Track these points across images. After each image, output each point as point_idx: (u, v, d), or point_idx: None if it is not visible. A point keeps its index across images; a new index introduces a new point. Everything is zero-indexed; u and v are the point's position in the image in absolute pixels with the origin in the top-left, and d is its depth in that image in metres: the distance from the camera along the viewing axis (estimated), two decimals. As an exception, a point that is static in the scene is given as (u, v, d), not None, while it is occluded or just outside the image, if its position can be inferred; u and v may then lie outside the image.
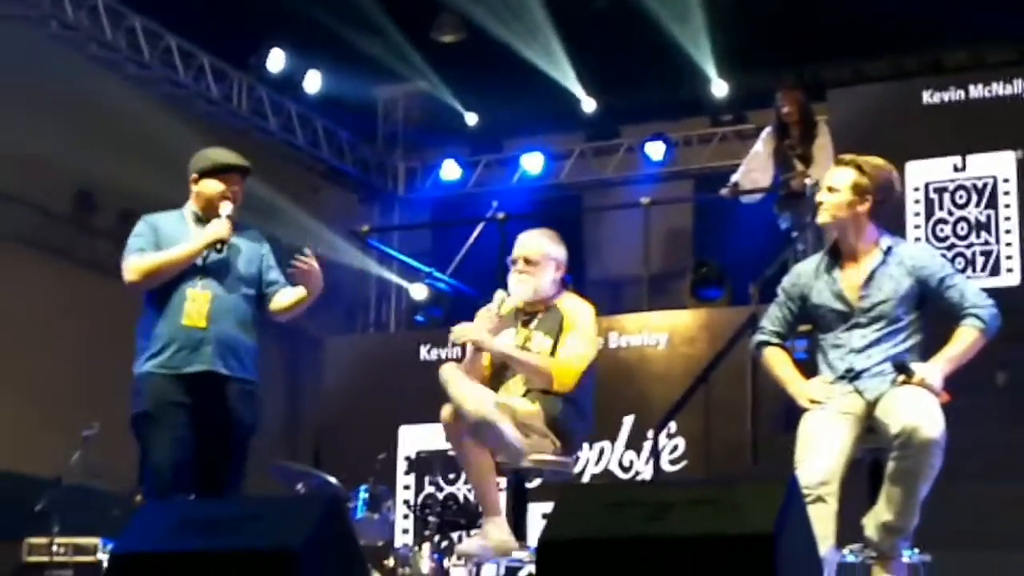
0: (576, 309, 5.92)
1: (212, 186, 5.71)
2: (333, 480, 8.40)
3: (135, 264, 5.61)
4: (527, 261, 5.94)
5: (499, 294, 5.91)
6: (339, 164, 13.39)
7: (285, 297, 5.81)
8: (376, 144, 14.14)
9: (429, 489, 9.91)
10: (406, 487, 10.23)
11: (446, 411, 5.63)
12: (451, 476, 9.64)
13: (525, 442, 5.61)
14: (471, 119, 13.52)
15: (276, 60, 12.10)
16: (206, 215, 5.70)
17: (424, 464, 9.88)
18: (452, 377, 5.60)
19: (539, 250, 5.96)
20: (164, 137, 10.28)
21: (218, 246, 5.60)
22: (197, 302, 5.58)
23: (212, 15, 11.17)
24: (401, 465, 10.23)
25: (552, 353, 5.79)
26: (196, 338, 5.55)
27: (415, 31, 12.21)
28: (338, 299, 12.55)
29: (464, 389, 5.55)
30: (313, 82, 12.50)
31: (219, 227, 5.61)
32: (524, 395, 5.77)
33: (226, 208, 5.67)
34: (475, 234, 11.87)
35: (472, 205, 13.29)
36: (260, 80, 12.15)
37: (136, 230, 5.72)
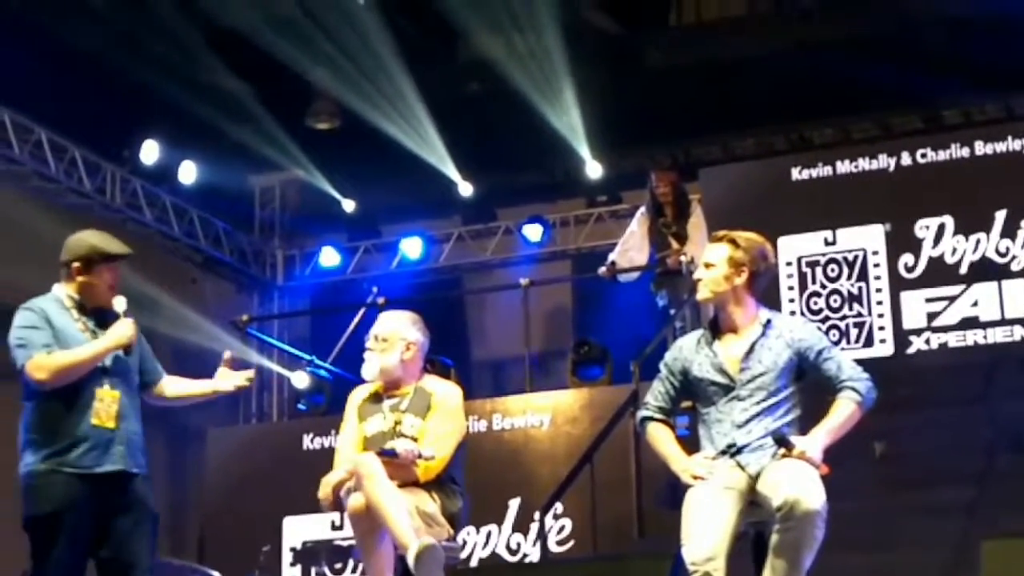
0: (443, 392, 5.97)
1: (98, 277, 5.53)
2: (217, 574, 8.27)
3: (44, 362, 5.35)
4: (376, 338, 5.99)
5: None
6: (216, 254, 13.30)
7: (193, 387, 5.73)
8: (253, 233, 14.09)
9: (315, 580, 9.80)
10: (292, 579, 10.10)
11: (357, 502, 5.60)
12: (337, 566, 9.54)
13: (430, 531, 5.64)
14: (348, 205, 13.53)
15: (150, 151, 12.04)
16: (88, 303, 5.55)
17: (310, 555, 9.77)
18: (371, 474, 5.59)
19: (389, 328, 5.99)
20: (36, 231, 10.14)
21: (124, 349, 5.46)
22: (106, 402, 5.39)
23: (83, 108, 11.09)
24: (287, 556, 10.10)
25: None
26: (106, 438, 5.37)
27: (290, 119, 12.23)
28: (219, 390, 12.40)
29: (382, 492, 5.55)
30: (188, 172, 12.45)
31: (127, 330, 5.44)
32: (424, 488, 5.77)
33: (121, 304, 5.53)
34: (356, 320, 11.84)
35: (352, 291, 13.28)
36: (134, 172, 12.06)
37: (28, 320, 5.46)
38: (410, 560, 5.45)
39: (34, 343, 5.41)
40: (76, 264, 5.55)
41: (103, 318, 5.55)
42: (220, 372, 5.75)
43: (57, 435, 5.37)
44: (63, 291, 5.58)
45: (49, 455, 5.36)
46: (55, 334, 5.43)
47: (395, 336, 5.98)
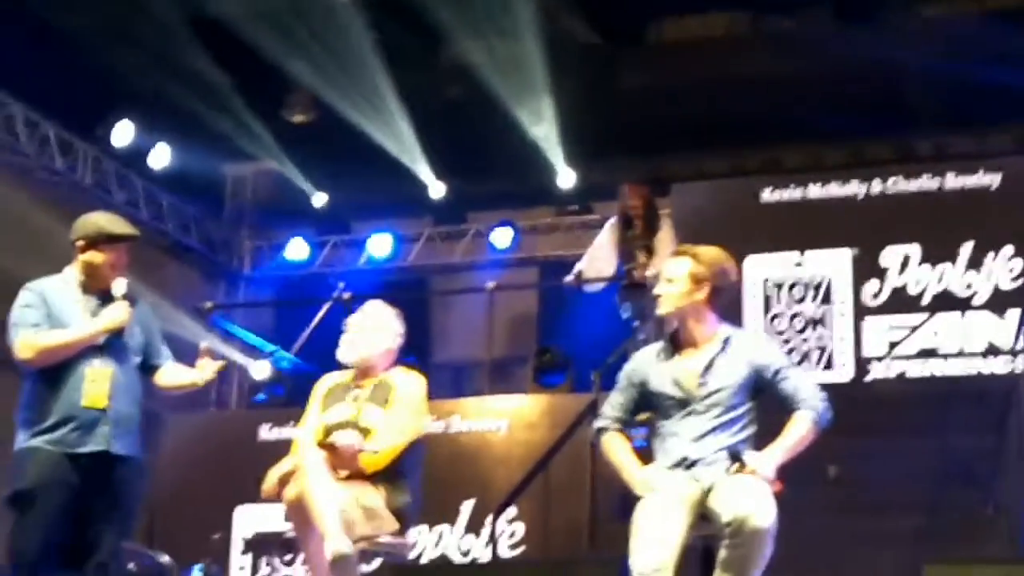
0: (405, 382, 5.99)
1: (99, 256, 5.53)
2: (166, 558, 8.25)
3: (31, 341, 5.38)
4: (357, 324, 6.03)
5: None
6: (184, 240, 13.26)
7: (178, 377, 5.74)
8: (223, 221, 14.06)
9: (265, 570, 9.79)
10: (241, 568, 10.08)
11: (291, 494, 5.61)
12: (288, 558, 9.53)
13: (369, 524, 5.63)
14: (319, 200, 13.51)
15: (124, 133, 11.99)
16: (93, 284, 5.55)
17: (261, 545, 9.75)
18: (307, 466, 5.59)
19: (372, 316, 6.04)
20: (3, 207, 10.12)
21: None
22: (97, 381, 5.39)
23: (59, 84, 11.04)
24: (237, 546, 10.08)
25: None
26: (93, 417, 5.37)
27: (265, 110, 12.21)
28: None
29: (314, 486, 5.54)
30: (161, 157, 12.41)
31: (119, 313, 5.44)
32: (370, 480, 5.77)
33: (120, 287, 5.51)
34: (320, 314, 11.83)
35: (318, 285, 13.26)
36: (106, 152, 12.02)
37: (24, 299, 5.48)
38: (327, 559, 5.47)
39: (24, 322, 5.42)
40: (80, 243, 5.56)
41: (108, 299, 5.54)
42: (200, 363, 5.74)
43: (45, 413, 5.39)
44: (71, 271, 5.59)
45: (36, 433, 5.39)
46: (50, 313, 5.43)
47: (377, 324, 6.02)
